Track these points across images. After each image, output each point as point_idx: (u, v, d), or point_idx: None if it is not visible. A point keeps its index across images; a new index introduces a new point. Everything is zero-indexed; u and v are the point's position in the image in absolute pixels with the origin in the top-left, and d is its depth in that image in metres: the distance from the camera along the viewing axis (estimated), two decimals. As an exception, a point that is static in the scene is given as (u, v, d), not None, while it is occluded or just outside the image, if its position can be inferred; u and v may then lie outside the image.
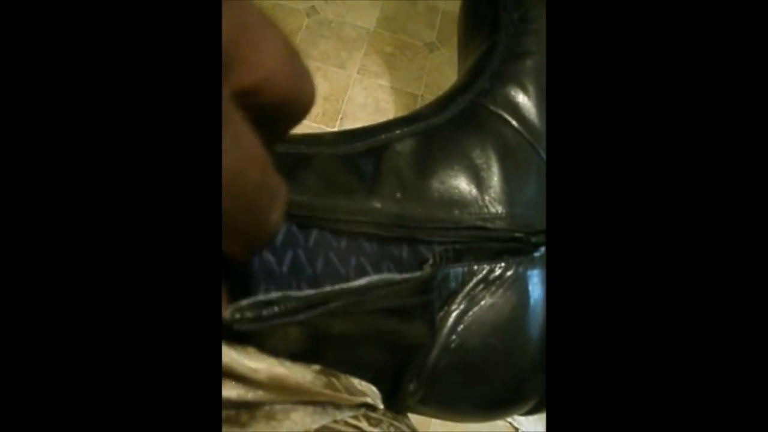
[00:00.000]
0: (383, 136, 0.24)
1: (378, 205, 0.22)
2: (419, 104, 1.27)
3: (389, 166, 0.23)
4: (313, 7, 1.39)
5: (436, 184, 0.23)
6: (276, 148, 0.18)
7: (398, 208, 0.22)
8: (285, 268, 0.21)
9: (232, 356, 0.16)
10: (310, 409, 0.18)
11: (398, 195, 0.22)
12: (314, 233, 0.22)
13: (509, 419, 0.94)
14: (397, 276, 0.19)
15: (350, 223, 0.22)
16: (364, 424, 0.19)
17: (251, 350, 0.17)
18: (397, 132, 0.24)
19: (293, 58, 0.15)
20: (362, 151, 0.23)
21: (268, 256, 0.20)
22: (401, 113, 1.23)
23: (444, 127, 0.25)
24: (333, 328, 0.18)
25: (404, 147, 0.24)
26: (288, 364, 0.18)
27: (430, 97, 1.27)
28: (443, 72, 1.32)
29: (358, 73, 1.30)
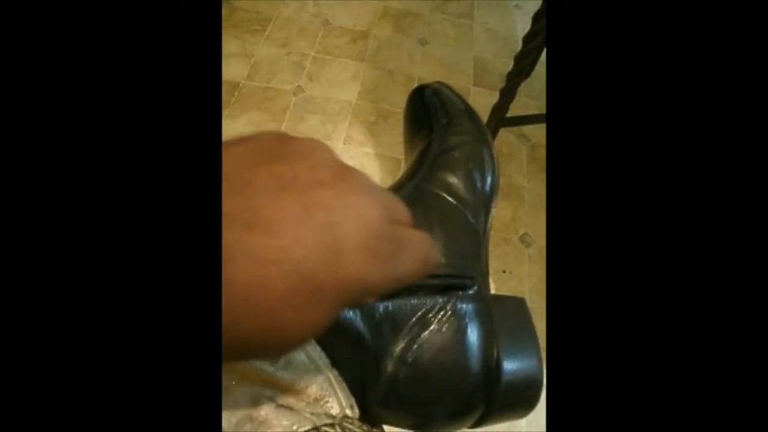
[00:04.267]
0: None
1: None
2: (403, 168, 1.35)
3: None
4: (299, 86, 1.50)
5: None
6: None
7: None
8: None
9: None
10: (296, 416, 0.25)
11: None
12: None
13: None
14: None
15: None
16: (337, 431, 0.25)
17: None
18: None
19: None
20: None
21: None
22: (387, 177, 1.31)
23: None
24: None
25: None
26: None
27: (413, 160, 1.35)
28: (424, 135, 1.42)
29: (344, 143, 1.39)
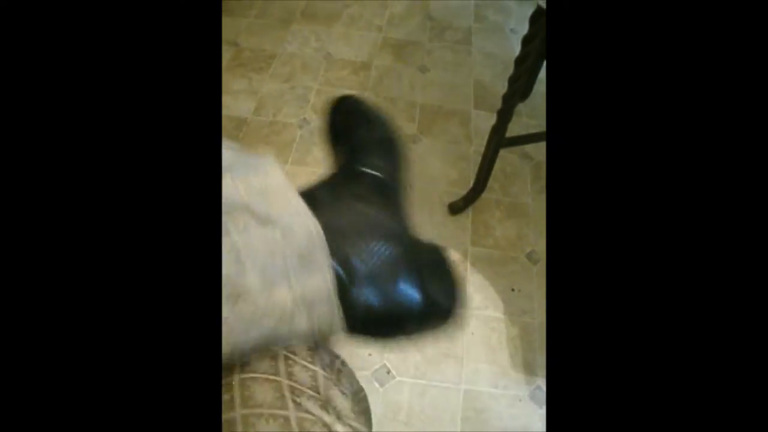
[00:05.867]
0: None
1: None
2: (410, 193, 1.38)
3: None
4: (304, 119, 1.55)
5: None
6: None
7: None
8: None
9: None
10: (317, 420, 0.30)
11: None
12: None
13: None
14: None
15: None
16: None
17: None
18: None
19: None
20: None
21: None
22: (392, 202, 1.33)
23: None
24: None
25: None
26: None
27: (419, 186, 1.38)
28: (427, 160, 1.45)
29: (349, 171, 1.42)
